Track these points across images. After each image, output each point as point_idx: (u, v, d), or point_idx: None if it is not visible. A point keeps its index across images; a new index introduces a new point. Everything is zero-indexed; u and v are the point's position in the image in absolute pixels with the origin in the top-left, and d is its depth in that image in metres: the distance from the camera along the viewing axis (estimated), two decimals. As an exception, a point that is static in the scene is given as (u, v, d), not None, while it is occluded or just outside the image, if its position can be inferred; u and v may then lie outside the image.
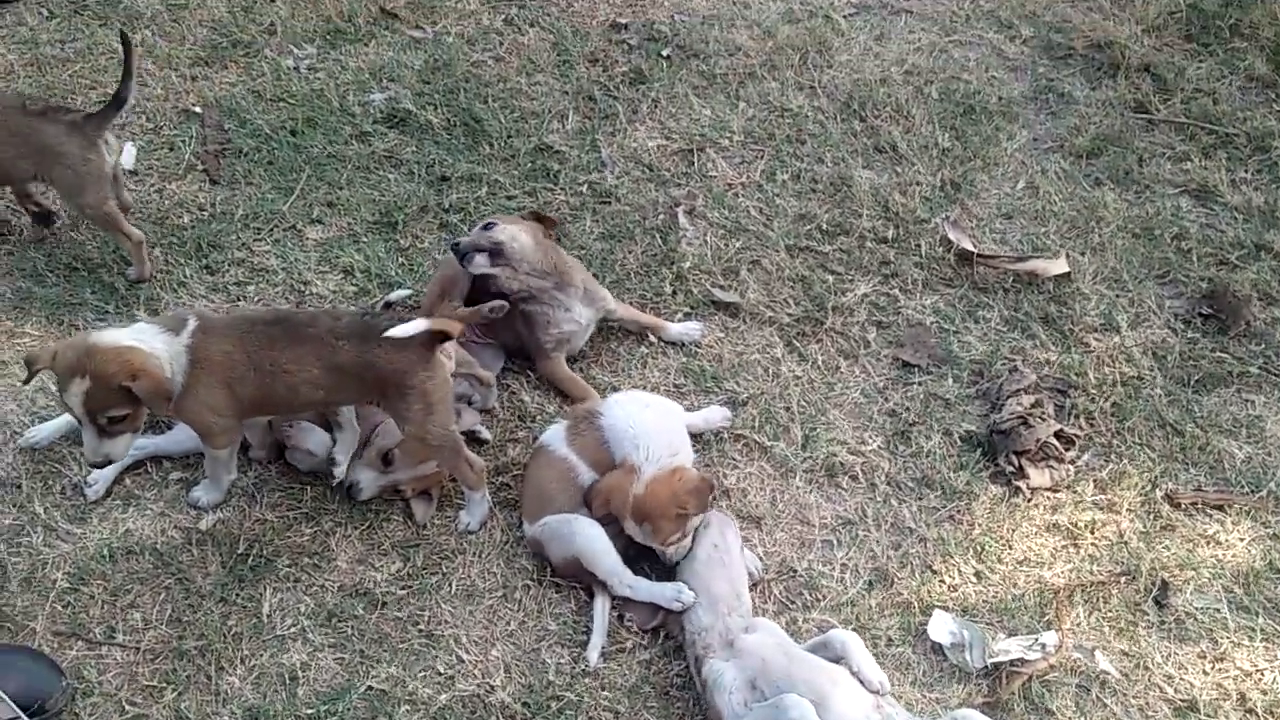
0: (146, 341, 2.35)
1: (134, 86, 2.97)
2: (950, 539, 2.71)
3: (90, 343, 2.32)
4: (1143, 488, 2.82)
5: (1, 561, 2.54)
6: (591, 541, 2.50)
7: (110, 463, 2.48)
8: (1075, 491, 2.83)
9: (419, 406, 2.45)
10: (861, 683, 2.26)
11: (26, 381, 2.51)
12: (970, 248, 3.31)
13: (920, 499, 2.79)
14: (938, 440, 2.90)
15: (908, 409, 2.97)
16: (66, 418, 2.72)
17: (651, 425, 2.58)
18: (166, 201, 3.47)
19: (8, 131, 2.90)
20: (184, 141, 3.67)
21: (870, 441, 2.90)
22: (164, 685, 2.38)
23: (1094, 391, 3.01)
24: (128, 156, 3.57)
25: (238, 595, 2.52)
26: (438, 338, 2.43)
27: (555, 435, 2.69)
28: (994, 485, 2.83)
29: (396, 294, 3.19)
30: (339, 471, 2.66)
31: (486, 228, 2.81)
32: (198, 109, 3.79)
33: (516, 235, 2.82)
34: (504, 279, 2.79)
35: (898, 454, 2.88)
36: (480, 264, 2.78)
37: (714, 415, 2.88)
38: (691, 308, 3.22)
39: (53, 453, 2.76)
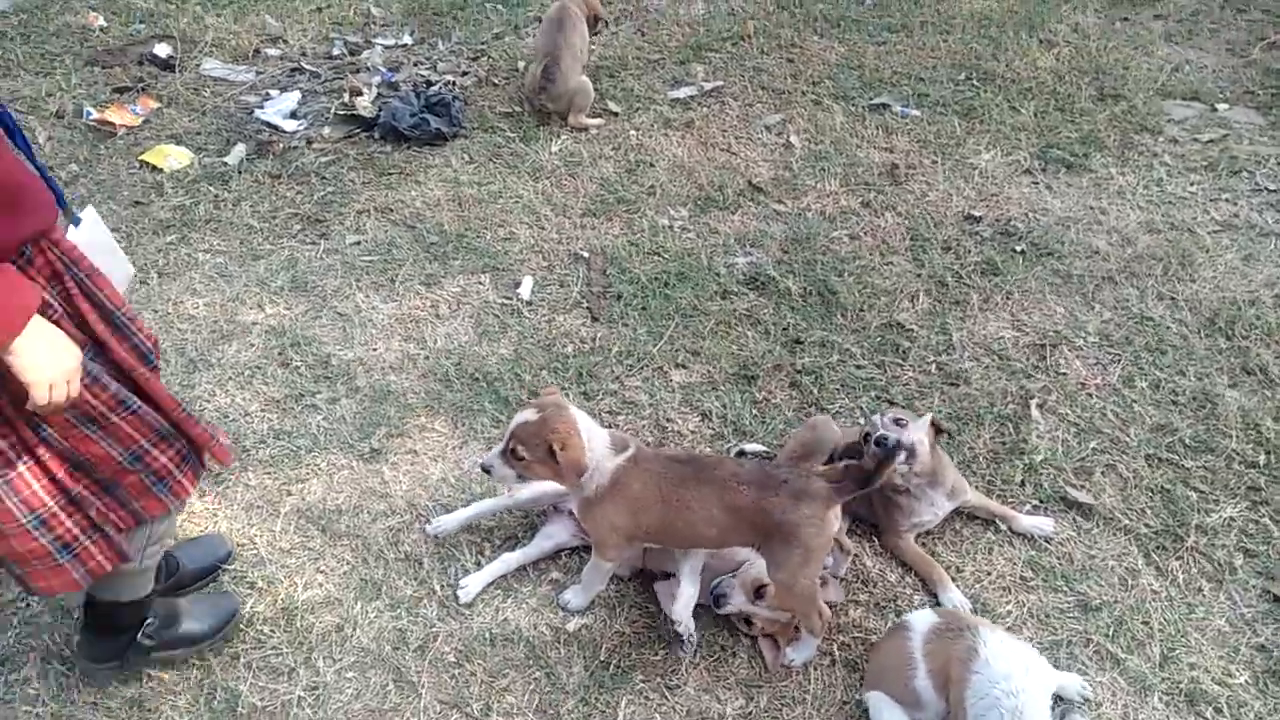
0: (595, 436, 2.65)
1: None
2: (1332, 800, 2.49)
3: (561, 405, 2.64)
4: None
5: (403, 627, 2.88)
6: None
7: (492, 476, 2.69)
8: None
9: (798, 558, 2.56)
10: None
11: None
12: (1357, 487, 3.13)
13: (1296, 748, 2.60)
14: (1317, 688, 2.70)
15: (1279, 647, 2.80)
16: (468, 511, 3.10)
17: (1037, 696, 2.39)
18: (554, 331, 3.91)
19: None
20: (572, 280, 4.15)
21: (1237, 675, 2.73)
22: (526, 771, 2.57)
23: None
24: (525, 288, 4.10)
25: (597, 699, 2.70)
26: (840, 494, 2.56)
27: (921, 624, 2.64)
28: (1381, 750, 2.60)
29: (751, 445, 3.40)
30: (683, 629, 2.78)
31: (899, 423, 2.92)
32: (585, 254, 4.29)
33: (923, 440, 2.92)
34: (899, 474, 2.91)
35: (1268, 694, 2.70)
36: (900, 459, 2.86)
37: (1071, 684, 2.68)
38: (1041, 501, 3.21)
39: (452, 538, 3.11)
